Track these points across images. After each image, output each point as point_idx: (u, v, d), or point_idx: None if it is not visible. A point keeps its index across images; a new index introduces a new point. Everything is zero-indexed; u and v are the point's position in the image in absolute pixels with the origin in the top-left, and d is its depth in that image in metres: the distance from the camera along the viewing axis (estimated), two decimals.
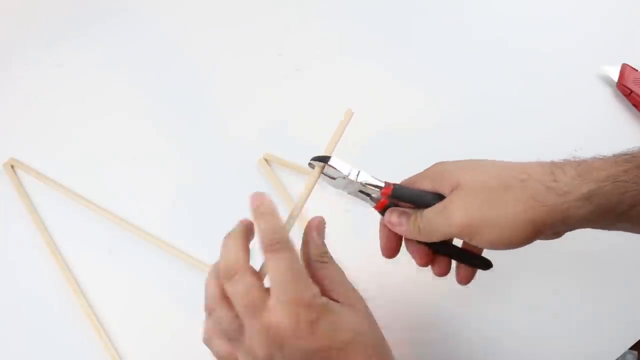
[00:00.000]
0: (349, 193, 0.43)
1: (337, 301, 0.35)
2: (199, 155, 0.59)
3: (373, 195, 0.42)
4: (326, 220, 0.55)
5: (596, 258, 0.53)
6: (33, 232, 0.54)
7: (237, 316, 0.33)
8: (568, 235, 0.54)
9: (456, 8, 0.70)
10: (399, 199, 0.41)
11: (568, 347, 0.49)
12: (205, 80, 0.64)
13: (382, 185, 0.41)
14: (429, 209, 0.39)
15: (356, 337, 0.34)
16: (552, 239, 0.41)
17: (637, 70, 0.63)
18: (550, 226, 0.37)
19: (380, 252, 0.49)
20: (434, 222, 0.39)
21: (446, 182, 0.39)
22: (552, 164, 0.39)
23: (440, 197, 0.39)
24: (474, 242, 0.38)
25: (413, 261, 0.52)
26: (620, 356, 0.49)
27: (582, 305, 0.51)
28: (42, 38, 0.66)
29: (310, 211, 0.55)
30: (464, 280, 0.44)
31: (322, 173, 0.41)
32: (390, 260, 0.53)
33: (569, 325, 0.50)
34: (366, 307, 0.36)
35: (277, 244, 0.34)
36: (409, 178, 0.42)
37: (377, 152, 0.59)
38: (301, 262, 0.36)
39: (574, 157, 0.39)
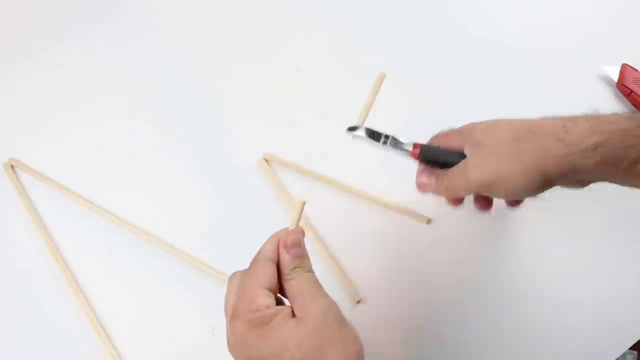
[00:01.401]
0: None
1: (294, 314, 0.34)
2: (198, 155, 0.59)
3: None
4: (327, 220, 0.56)
5: (596, 258, 0.53)
6: (33, 232, 0.54)
7: None
8: (567, 235, 0.54)
9: (456, 8, 0.70)
10: (426, 157, 0.46)
11: (568, 346, 0.49)
12: (205, 80, 0.64)
13: (411, 147, 0.46)
14: (451, 169, 0.43)
15: (283, 352, 0.33)
16: (575, 188, 0.43)
17: (637, 70, 0.62)
18: (560, 176, 0.39)
19: (377, 252, 0.50)
20: (455, 181, 0.43)
21: (470, 141, 0.43)
22: (567, 118, 0.41)
23: (462, 155, 0.43)
24: (491, 195, 0.43)
25: (412, 260, 0.53)
26: (620, 356, 0.49)
27: (582, 304, 0.51)
28: (42, 38, 0.66)
29: (311, 211, 0.55)
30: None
31: (356, 136, 0.46)
32: (389, 259, 0.53)
33: (569, 325, 0.50)
34: (322, 320, 0.34)
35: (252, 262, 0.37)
36: (443, 131, 0.46)
37: None
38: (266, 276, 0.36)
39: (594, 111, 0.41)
